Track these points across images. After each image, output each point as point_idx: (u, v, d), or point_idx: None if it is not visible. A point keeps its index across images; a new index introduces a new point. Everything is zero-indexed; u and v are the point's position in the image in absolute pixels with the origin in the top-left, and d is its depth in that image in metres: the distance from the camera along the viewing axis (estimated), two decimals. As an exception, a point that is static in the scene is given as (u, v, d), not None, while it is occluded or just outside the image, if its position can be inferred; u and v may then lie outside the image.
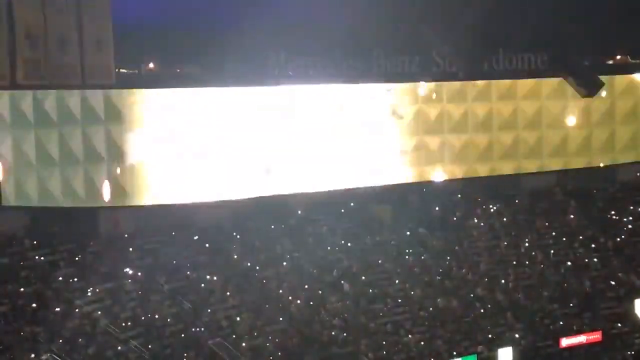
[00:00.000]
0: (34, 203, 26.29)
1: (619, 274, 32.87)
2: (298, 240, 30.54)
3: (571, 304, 31.70)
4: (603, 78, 31.07)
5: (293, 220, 30.99)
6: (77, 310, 25.45)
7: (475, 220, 33.31)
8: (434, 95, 30.69)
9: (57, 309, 25.22)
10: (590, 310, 31.67)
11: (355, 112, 29.80)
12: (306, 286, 29.37)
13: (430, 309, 30.35)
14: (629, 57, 32.63)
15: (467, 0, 29.00)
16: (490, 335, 30.08)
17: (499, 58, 29.74)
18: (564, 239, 33.61)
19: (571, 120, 32.22)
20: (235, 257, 29.47)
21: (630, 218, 34.70)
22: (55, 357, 24.07)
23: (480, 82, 31.04)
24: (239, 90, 27.50)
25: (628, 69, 32.73)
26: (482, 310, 30.67)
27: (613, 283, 32.63)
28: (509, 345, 29.99)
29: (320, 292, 29.43)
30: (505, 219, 33.60)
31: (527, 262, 32.58)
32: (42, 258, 26.33)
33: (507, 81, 31.37)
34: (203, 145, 27.19)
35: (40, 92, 24.99)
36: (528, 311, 31.10)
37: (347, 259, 30.72)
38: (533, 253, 32.89)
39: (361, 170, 29.97)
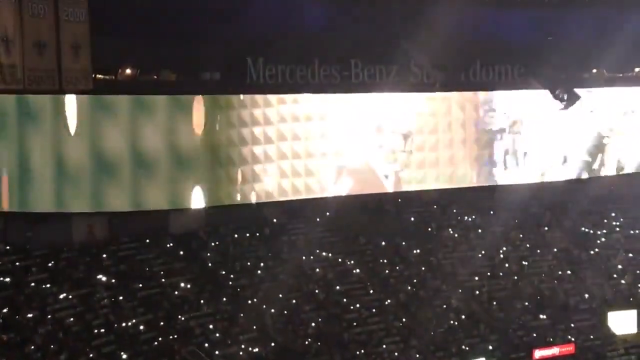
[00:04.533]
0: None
1: (592, 287, 33.10)
2: (273, 248, 30.52)
3: (544, 316, 31.88)
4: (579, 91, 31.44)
5: (268, 229, 30.96)
6: (49, 316, 25.32)
7: (451, 231, 33.45)
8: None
9: (29, 315, 25.07)
10: (563, 322, 31.85)
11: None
12: (280, 295, 29.35)
13: (405, 319, 30.42)
14: (605, 70, 32.84)
15: (445, 11, 29.08)
16: (463, 346, 30.18)
17: (476, 69, 29.86)
18: (538, 251, 33.82)
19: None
20: (210, 264, 29.42)
21: (604, 231, 34.97)
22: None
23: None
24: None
25: (604, 83, 32.99)
26: (456, 321, 30.78)
27: (586, 296, 32.85)
28: (483, 356, 30.09)
29: (294, 301, 29.44)
30: (480, 230, 33.74)
31: (501, 274, 32.75)
32: (15, 263, 26.22)
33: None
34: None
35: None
36: (502, 322, 31.24)
37: (321, 268, 30.75)
38: (507, 265, 33.07)
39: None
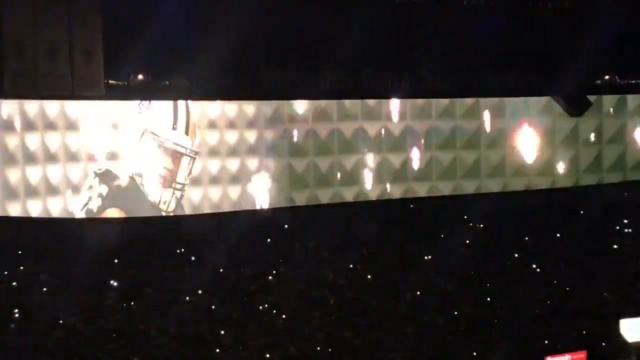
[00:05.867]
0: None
1: (604, 294, 32.99)
2: (284, 254, 30.55)
3: (556, 323, 31.79)
4: (591, 98, 31.43)
5: (279, 235, 30.97)
6: (60, 322, 25.41)
7: (462, 237, 33.39)
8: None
9: (40, 321, 25.17)
10: (575, 330, 31.75)
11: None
12: (291, 301, 29.37)
13: (415, 325, 30.40)
14: (617, 77, 32.77)
15: (458, 18, 29.12)
16: (475, 353, 30.13)
17: (488, 76, 29.85)
18: (550, 257, 33.72)
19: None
20: (221, 270, 29.46)
21: (616, 238, 34.84)
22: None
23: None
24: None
25: (616, 89, 32.93)
26: (467, 328, 30.74)
27: (598, 303, 32.74)
28: (493, 363, 30.12)
29: (305, 307, 29.46)
30: (491, 237, 33.68)
31: (512, 280, 32.67)
32: (25, 269, 26.31)
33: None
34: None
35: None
36: (513, 329, 31.16)
37: (332, 274, 30.76)
38: (519, 271, 32.99)
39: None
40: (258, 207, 29.35)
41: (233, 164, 28.98)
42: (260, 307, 28.92)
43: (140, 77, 26.80)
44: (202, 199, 28.68)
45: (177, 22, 25.81)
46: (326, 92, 28.20)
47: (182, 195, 28.20)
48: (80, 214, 26.87)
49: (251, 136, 28.80)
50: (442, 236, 33.27)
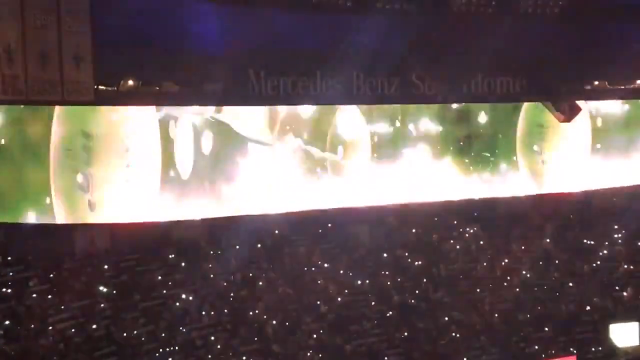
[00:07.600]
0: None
1: (594, 299, 33.03)
2: (274, 260, 30.51)
3: (546, 328, 31.83)
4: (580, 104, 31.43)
5: (270, 240, 30.94)
6: (50, 327, 25.32)
7: (452, 243, 33.40)
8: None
9: (30, 326, 25.08)
10: (565, 335, 31.81)
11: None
12: (282, 306, 29.33)
13: (406, 331, 30.39)
14: (606, 83, 32.76)
15: (447, 24, 29.07)
16: (465, 358, 30.14)
17: (478, 82, 29.80)
18: (540, 263, 33.76)
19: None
20: (212, 276, 29.41)
21: (606, 243, 34.90)
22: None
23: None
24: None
25: (605, 95, 32.94)
26: (457, 333, 30.74)
27: (588, 308, 32.79)
28: (484, 368, 30.15)
29: (296, 312, 29.42)
30: (481, 242, 33.71)
31: (503, 286, 32.70)
32: (15, 274, 26.22)
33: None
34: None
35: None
36: (503, 334, 31.20)
37: (323, 279, 30.72)
38: (509, 277, 33.02)
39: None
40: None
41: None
42: (251, 313, 28.87)
43: (130, 82, 26.69)
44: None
45: (167, 28, 25.71)
46: (316, 98, 28.08)
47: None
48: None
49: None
50: (433, 242, 33.27)
